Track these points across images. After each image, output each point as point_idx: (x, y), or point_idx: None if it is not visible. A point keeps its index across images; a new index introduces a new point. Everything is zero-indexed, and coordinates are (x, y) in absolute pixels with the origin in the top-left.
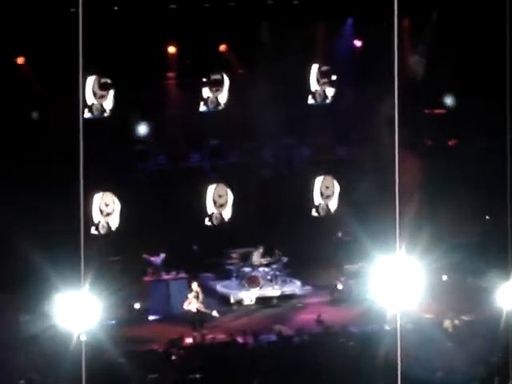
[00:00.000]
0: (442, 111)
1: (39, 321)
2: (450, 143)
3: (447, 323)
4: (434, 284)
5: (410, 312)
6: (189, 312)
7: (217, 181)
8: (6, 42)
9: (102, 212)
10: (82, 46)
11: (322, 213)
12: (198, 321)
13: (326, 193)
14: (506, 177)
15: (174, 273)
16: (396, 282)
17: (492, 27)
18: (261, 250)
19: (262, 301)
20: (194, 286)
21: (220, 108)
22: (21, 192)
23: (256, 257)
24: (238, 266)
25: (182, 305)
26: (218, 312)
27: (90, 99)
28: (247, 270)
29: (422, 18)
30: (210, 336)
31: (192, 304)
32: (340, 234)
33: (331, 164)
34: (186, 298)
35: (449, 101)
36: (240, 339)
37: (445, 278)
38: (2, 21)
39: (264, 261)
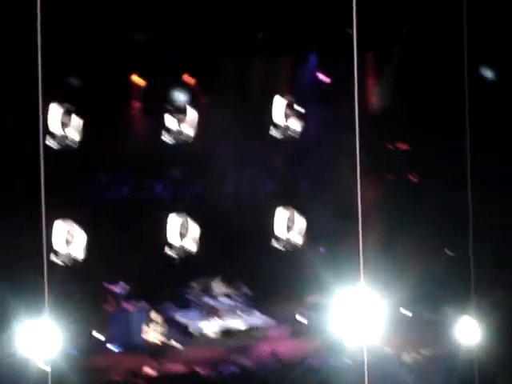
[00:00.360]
0: (404, 145)
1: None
2: (411, 177)
3: (407, 357)
4: (395, 317)
5: (370, 346)
6: (148, 342)
7: (179, 211)
8: None
9: (64, 241)
10: (43, 72)
11: (284, 244)
12: (157, 351)
13: (288, 225)
14: (467, 211)
15: (134, 302)
16: (357, 315)
17: (453, 61)
18: (222, 281)
19: (223, 331)
20: (153, 315)
21: (183, 138)
22: None
23: (217, 287)
24: (199, 296)
25: (142, 335)
26: (178, 342)
27: (54, 128)
28: (208, 300)
29: (386, 51)
30: (169, 366)
31: (150, 333)
32: (302, 266)
33: (294, 196)
34: (146, 327)
35: (411, 134)
36: (200, 370)
37: (405, 311)
38: None
39: (225, 291)
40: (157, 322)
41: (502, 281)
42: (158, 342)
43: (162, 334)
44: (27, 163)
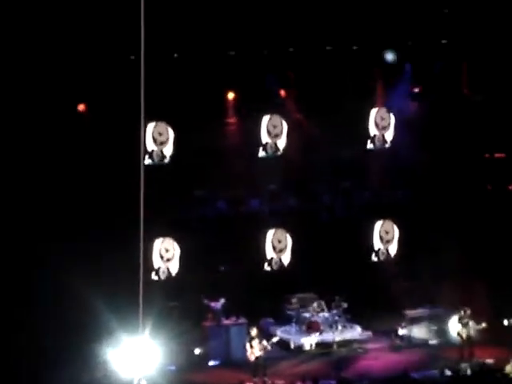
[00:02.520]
0: (502, 155)
1: (100, 367)
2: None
3: (509, 368)
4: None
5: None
6: (248, 357)
7: (276, 226)
8: (68, 89)
9: (162, 257)
10: (144, 93)
11: (382, 257)
12: (259, 366)
13: (385, 237)
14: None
15: (233, 318)
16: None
17: None
18: (320, 295)
19: (322, 346)
20: (254, 331)
21: (279, 153)
22: (80, 238)
23: (316, 302)
24: (298, 311)
25: (242, 350)
26: (279, 358)
27: (150, 146)
28: (307, 315)
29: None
30: (270, 382)
31: (251, 350)
32: (401, 279)
33: (390, 208)
34: (249, 346)
35: None
36: None
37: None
38: (65, 68)
39: (324, 306)
40: (257, 338)
41: None
42: (259, 358)
43: (263, 350)
44: (127, 182)
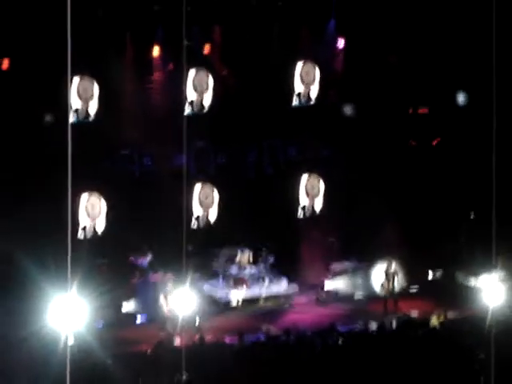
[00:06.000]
0: (425, 110)
1: (27, 323)
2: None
3: (434, 320)
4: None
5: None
6: (175, 313)
7: (202, 182)
8: None
9: (88, 215)
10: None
11: (308, 212)
12: (184, 322)
13: (311, 193)
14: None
15: (161, 274)
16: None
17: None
18: (247, 250)
19: (249, 301)
20: (178, 286)
21: (204, 111)
22: (6, 194)
23: (243, 257)
24: (225, 266)
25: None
26: (206, 312)
27: (75, 102)
28: (234, 270)
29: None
30: (197, 337)
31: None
32: (327, 233)
33: (316, 163)
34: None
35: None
36: (227, 339)
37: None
38: None
39: (250, 261)
40: (183, 294)
41: None
42: (185, 313)
43: (190, 305)
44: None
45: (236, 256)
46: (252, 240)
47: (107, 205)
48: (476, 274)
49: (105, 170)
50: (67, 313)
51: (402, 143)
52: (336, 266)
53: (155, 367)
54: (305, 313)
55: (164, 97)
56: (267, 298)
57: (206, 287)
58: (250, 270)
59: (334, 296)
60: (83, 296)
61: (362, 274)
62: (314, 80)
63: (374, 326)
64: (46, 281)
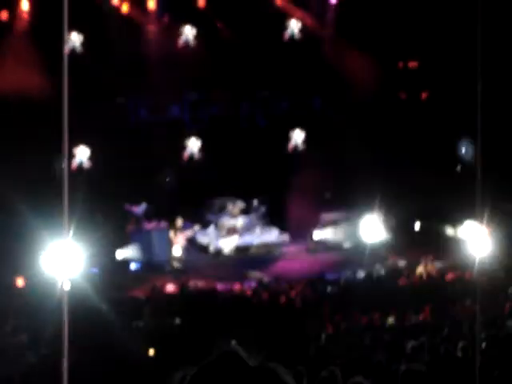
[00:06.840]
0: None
1: (25, 270)
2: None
3: (419, 269)
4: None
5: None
6: (169, 260)
7: (196, 133)
8: None
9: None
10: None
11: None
12: (178, 269)
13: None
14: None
15: (155, 222)
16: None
17: None
18: (239, 201)
19: (241, 249)
20: (172, 234)
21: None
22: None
23: (235, 206)
24: (217, 215)
25: (163, 254)
26: (198, 260)
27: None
28: (226, 219)
29: None
30: (190, 283)
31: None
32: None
33: (307, 116)
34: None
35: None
36: (219, 286)
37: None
38: None
39: (243, 209)
40: (177, 242)
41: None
42: (179, 261)
43: (183, 253)
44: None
45: (229, 205)
46: (244, 190)
47: (104, 155)
48: (462, 225)
49: (102, 121)
50: (63, 259)
51: (391, 96)
52: (326, 216)
53: (149, 311)
54: (295, 261)
55: (160, 49)
56: (258, 247)
57: (199, 235)
58: (242, 219)
59: (324, 245)
60: (79, 242)
61: (350, 224)
62: None
63: (362, 274)
64: (42, 227)
